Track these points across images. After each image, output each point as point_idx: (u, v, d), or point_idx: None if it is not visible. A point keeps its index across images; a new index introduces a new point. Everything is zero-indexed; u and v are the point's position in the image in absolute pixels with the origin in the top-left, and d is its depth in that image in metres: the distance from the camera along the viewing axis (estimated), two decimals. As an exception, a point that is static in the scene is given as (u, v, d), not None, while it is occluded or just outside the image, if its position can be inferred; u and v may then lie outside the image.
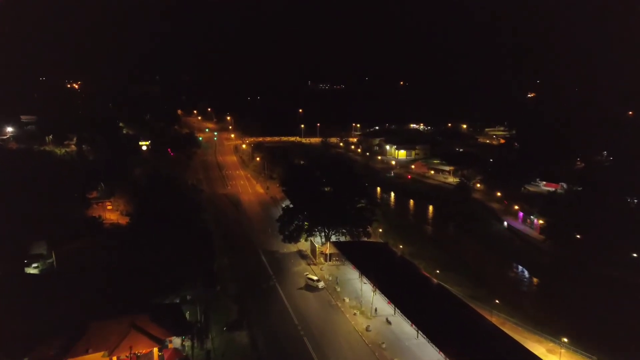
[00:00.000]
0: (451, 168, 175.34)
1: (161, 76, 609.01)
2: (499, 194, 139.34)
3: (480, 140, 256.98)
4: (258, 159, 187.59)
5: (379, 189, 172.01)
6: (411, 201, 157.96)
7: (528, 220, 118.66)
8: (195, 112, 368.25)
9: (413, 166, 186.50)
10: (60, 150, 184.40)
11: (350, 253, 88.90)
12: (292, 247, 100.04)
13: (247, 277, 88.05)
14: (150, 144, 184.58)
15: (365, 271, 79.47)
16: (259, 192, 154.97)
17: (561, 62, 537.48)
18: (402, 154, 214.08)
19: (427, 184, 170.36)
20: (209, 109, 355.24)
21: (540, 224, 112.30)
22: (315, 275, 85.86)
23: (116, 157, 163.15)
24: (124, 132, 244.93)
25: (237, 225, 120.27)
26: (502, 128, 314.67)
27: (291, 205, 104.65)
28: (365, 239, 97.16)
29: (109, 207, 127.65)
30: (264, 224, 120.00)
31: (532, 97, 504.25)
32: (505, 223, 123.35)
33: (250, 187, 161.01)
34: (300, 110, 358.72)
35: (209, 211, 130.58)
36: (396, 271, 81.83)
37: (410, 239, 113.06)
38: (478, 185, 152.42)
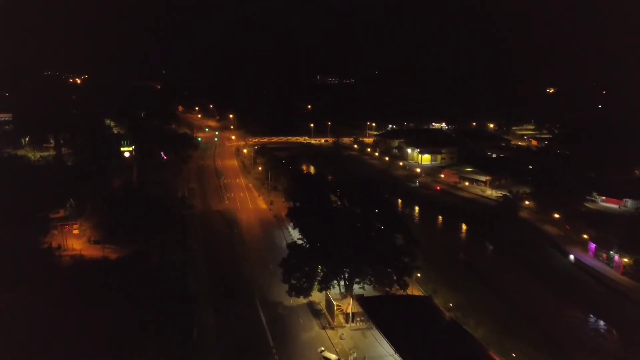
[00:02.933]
0: (487, 178, 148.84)
1: (167, 70, 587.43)
2: (556, 215, 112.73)
3: (512, 141, 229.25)
4: (260, 168, 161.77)
5: (400, 201, 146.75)
6: (439, 217, 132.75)
7: (604, 255, 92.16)
8: (197, 108, 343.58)
9: (442, 175, 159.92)
10: (34, 155, 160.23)
11: (380, 316, 63.90)
12: (301, 298, 74.73)
13: (237, 350, 62.82)
14: (136, 147, 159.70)
15: (403, 348, 54.96)
16: (261, 207, 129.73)
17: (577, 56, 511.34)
18: (426, 158, 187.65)
19: (460, 197, 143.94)
20: (211, 106, 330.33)
21: (625, 262, 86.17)
22: (335, 353, 60.47)
23: (92, 164, 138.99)
24: (114, 131, 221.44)
25: (230, 257, 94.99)
26: (531, 127, 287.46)
27: (299, 240, 79.33)
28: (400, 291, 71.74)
29: (75, 232, 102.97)
30: (265, 254, 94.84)
31: (551, 92, 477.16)
32: (572, 256, 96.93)
33: (250, 201, 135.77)
34: (309, 107, 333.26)
35: (198, 236, 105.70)
36: (447, 347, 56.87)
37: (451, 277, 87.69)
38: (526, 202, 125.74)
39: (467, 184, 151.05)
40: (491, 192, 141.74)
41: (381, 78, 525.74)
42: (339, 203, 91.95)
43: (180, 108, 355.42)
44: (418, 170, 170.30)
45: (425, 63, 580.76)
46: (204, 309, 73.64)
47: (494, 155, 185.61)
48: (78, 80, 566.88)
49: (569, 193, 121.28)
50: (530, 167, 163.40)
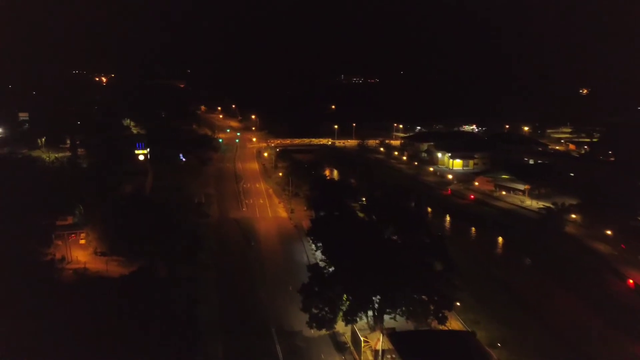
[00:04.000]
0: (526, 187, 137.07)
1: (192, 70, 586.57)
2: (608, 231, 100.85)
3: (550, 146, 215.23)
4: (280, 173, 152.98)
5: (429, 209, 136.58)
6: (473, 229, 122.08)
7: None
8: (219, 108, 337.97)
9: (476, 182, 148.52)
10: (49, 157, 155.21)
11: (415, 355, 54.49)
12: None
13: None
14: (153, 149, 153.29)
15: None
16: (281, 216, 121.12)
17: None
18: (457, 163, 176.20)
19: (497, 207, 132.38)
20: (233, 106, 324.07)
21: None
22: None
23: (105, 167, 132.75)
24: (134, 131, 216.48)
25: (245, 275, 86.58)
26: (567, 129, 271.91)
27: (322, 261, 70.23)
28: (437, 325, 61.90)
29: (82, 242, 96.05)
30: (284, 273, 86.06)
31: (585, 93, 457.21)
32: (631, 281, 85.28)
33: (270, 209, 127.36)
34: (333, 107, 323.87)
35: (212, 248, 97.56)
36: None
37: (493, 304, 77.28)
38: (572, 215, 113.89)
39: (504, 193, 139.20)
40: (530, 203, 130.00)
41: (407, 77, 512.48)
42: (367, 218, 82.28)
43: (202, 108, 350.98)
44: (450, 176, 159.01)
45: (453, 62, 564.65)
46: (212, 337, 65.24)
47: (531, 161, 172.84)
48: (104, 79, 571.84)
49: (621, 206, 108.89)
50: (572, 174, 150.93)
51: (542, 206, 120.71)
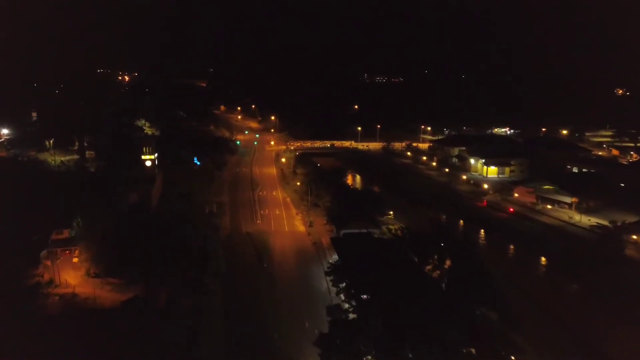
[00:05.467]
0: (573, 199, 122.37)
1: (215, 69, 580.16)
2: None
3: (594, 152, 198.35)
4: (299, 180, 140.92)
5: (461, 222, 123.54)
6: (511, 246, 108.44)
7: None
8: (239, 108, 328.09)
9: (516, 194, 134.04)
10: (54, 160, 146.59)
11: None
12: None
13: None
14: (166, 152, 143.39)
15: None
16: (299, 230, 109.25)
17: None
18: (492, 171, 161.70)
19: (540, 222, 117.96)
20: (253, 106, 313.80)
21: None
22: None
23: (110, 173, 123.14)
24: (148, 132, 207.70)
25: (255, 304, 75.02)
26: (608, 133, 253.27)
27: (345, 302, 58.01)
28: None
29: (75, 260, 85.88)
30: (299, 302, 74.32)
31: (620, 93, 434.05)
32: None
33: (287, 220, 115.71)
34: (356, 107, 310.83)
35: (220, 269, 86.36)
36: None
37: (548, 345, 64.02)
38: (633, 235, 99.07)
39: (549, 206, 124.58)
40: (579, 218, 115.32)
41: (431, 77, 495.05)
42: (401, 246, 69.82)
43: (222, 107, 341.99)
44: (485, 186, 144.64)
45: (481, 62, 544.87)
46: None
47: (574, 169, 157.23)
48: (127, 78, 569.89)
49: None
50: (622, 185, 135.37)
51: (594, 223, 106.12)
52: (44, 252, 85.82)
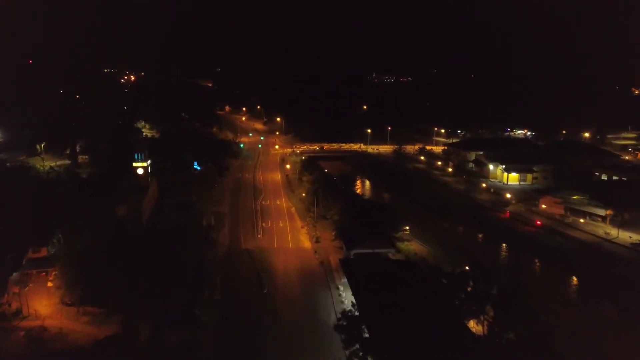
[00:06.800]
0: (607, 212, 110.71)
1: (222, 68, 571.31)
2: None
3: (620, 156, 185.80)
4: (305, 188, 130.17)
5: (480, 235, 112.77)
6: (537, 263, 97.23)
7: None
8: (244, 109, 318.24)
9: (543, 205, 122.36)
10: (42, 166, 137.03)
11: None
12: None
13: None
14: (162, 158, 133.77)
15: None
16: (304, 247, 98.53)
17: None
18: (513, 177, 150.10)
19: (572, 238, 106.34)
20: (258, 107, 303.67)
21: None
22: None
23: (101, 182, 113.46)
24: (148, 135, 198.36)
25: (252, 339, 64.56)
26: (631, 135, 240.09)
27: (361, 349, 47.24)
28: None
29: (50, 284, 75.79)
30: (303, 338, 63.87)
31: (637, 93, 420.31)
32: None
33: (291, 234, 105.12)
34: (365, 107, 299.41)
35: (214, 295, 75.92)
36: None
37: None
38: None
39: (582, 220, 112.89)
40: (617, 233, 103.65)
41: (440, 76, 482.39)
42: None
43: (227, 108, 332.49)
44: (508, 195, 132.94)
45: (497, 61, 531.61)
46: None
47: (603, 176, 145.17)
48: (132, 78, 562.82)
49: None
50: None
51: (637, 241, 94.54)
52: (15, 275, 75.97)
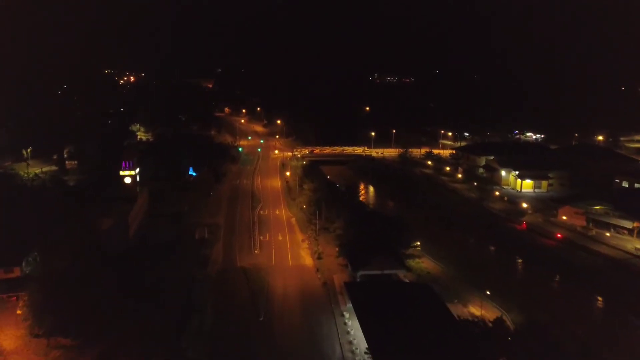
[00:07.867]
0: (635, 224, 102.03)
1: (223, 69, 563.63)
2: None
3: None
4: (306, 199, 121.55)
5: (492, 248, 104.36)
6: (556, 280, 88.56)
7: None
8: (244, 111, 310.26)
9: (563, 215, 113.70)
10: (26, 173, 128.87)
11: None
12: None
13: None
14: (156, 164, 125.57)
15: None
16: (305, 264, 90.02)
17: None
18: (527, 184, 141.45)
19: (598, 253, 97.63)
20: (258, 108, 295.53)
21: None
22: None
23: (86, 191, 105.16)
24: (142, 138, 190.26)
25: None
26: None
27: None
28: None
29: (19, 312, 67.39)
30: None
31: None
32: None
33: (291, 249, 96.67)
34: (367, 108, 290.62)
35: (204, 325, 67.45)
36: None
37: None
38: None
39: (608, 234, 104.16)
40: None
41: (443, 77, 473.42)
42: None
43: (227, 110, 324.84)
44: (524, 204, 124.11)
45: (497, 61, 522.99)
46: None
47: (624, 184, 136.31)
48: (132, 79, 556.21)
49: None
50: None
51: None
52: (-20, 301, 67.90)
